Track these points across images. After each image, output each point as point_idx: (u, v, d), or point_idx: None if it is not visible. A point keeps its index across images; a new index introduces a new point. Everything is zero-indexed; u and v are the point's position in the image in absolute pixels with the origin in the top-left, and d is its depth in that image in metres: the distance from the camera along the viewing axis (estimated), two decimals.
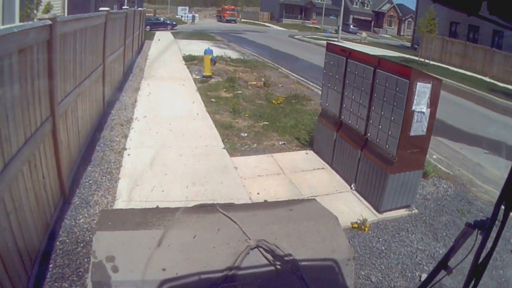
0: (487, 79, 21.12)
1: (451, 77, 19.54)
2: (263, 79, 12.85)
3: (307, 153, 6.67)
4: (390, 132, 4.71)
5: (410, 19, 79.15)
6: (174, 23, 42.22)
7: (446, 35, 29.60)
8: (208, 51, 12.07)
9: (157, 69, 13.22)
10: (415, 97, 4.45)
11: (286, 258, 1.92)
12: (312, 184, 5.53)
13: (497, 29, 24.05)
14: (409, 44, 48.29)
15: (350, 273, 2.08)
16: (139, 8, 20.18)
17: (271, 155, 6.45)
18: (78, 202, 4.38)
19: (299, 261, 1.95)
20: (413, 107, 4.49)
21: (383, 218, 4.87)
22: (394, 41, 57.43)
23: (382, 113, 4.83)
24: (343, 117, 5.79)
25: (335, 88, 5.98)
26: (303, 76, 15.28)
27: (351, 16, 73.21)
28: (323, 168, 6.12)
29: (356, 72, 5.38)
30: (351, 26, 64.75)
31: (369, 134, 5.16)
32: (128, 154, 5.95)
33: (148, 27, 39.38)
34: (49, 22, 3.58)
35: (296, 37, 41.80)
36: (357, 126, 5.42)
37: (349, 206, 5.01)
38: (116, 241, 1.88)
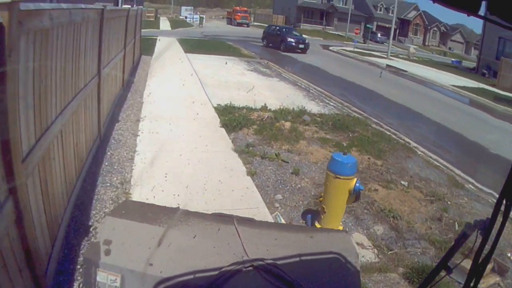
0: None
1: None
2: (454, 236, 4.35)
3: None
4: None
5: (435, 28, 71.31)
6: (304, 40, 25.75)
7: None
8: (346, 169, 3.50)
9: (165, 182, 4.60)
10: None
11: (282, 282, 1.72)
12: None
13: None
14: (447, 59, 39.62)
15: None
16: (126, 6, 11.20)
17: None
18: None
19: None
20: None
21: None
22: (425, 53, 48.85)
23: None
24: None
25: None
26: (483, 182, 6.78)
27: (375, 23, 65.62)
28: None
29: None
30: (379, 35, 56.44)
31: None
32: None
33: (265, 41, 27.05)
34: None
35: (331, 49, 33.16)
36: None
37: None
38: (118, 227, 1.90)
